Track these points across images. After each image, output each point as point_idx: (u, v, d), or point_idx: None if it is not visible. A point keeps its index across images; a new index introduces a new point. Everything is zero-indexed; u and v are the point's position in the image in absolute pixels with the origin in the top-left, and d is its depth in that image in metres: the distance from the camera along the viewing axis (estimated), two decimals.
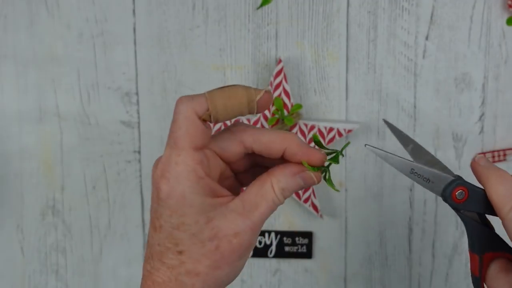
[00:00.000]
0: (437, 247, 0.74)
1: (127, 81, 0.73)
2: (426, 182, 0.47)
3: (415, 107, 0.72)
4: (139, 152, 0.74)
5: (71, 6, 0.72)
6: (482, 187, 0.46)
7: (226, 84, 0.52)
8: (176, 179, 0.42)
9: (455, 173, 0.47)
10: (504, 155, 0.72)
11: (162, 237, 0.42)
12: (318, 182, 0.45)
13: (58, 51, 0.72)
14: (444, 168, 0.48)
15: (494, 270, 0.46)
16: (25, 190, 0.74)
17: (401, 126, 0.72)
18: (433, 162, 0.49)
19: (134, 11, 0.72)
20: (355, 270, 0.74)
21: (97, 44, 0.72)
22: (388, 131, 0.72)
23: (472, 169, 0.48)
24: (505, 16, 0.71)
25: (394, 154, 0.47)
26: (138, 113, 0.73)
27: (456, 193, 0.47)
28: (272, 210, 0.44)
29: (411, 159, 0.48)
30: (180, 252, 0.42)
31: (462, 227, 0.73)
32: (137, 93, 0.73)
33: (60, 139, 0.74)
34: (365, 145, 0.47)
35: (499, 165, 0.72)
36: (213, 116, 0.43)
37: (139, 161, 0.74)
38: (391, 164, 0.47)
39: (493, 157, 0.72)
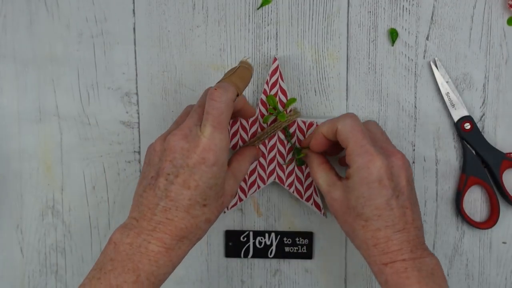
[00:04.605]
0: (437, 248, 0.73)
1: (127, 81, 0.72)
2: None
3: (415, 107, 0.72)
4: (139, 153, 0.74)
5: (70, 6, 0.72)
6: None
7: (233, 70, 0.64)
8: (220, 151, 0.57)
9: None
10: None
11: (195, 194, 0.56)
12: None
13: (58, 51, 0.72)
14: None
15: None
16: (25, 190, 0.74)
17: (401, 126, 0.72)
18: None
19: (134, 11, 0.72)
20: (355, 270, 0.74)
21: (97, 44, 0.72)
22: (388, 131, 0.72)
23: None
24: (506, 16, 0.71)
25: None
26: (138, 113, 0.73)
27: None
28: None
29: None
30: (205, 205, 0.57)
31: (463, 228, 0.73)
32: (137, 93, 0.73)
33: (60, 139, 0.74)
34: None
35: None
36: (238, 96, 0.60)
37: (139, 161, 0.74)
38: None
39: None
